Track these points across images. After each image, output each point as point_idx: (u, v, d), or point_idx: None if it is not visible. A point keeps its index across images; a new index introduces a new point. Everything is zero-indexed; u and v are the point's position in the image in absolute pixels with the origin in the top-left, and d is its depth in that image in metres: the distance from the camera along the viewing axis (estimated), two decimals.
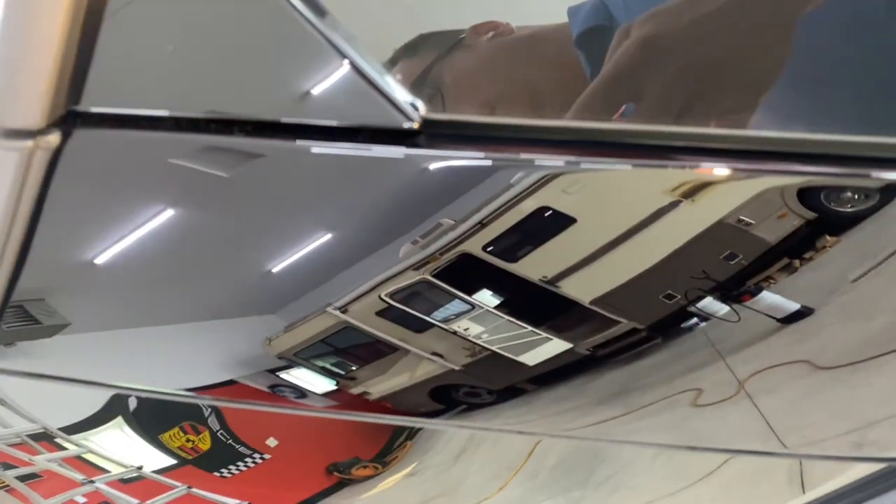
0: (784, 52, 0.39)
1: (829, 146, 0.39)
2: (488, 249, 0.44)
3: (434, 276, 0.45)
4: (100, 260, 0.47)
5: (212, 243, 0.48)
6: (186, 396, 0.50)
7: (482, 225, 0.43)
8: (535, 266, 0.44)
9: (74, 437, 0.58)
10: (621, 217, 0.43)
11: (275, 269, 0.46)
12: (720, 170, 0.40)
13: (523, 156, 0.41)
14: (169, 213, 0.46)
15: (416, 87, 0.42)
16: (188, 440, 0.55)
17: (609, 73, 0.39)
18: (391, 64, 0.42)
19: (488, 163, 0.41)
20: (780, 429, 0.48)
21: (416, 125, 0.40)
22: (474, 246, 0.44)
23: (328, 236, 0.45)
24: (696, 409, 0.48)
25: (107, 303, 0.49)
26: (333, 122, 0.41)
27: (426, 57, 0.42)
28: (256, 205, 0.46)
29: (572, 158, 0.41)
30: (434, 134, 0.41)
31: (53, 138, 0.42)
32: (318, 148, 0.42)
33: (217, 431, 0.54)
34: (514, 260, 0.44)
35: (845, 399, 0.47)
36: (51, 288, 0.48)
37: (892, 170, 0.40)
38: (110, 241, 0.46)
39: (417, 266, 0.45)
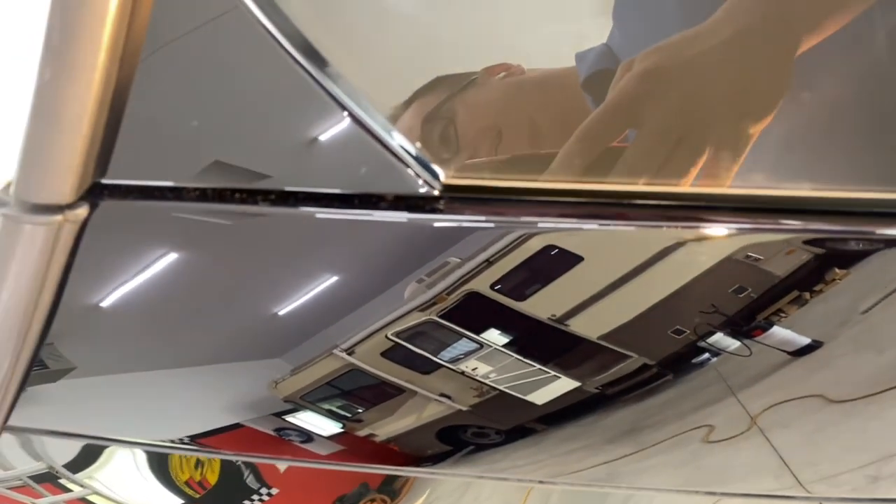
0: (782, 86, 0.39)
1: (831, 203, 0.40)
2: (496, 288, 0.44)
3: (441, 316, 0.44)
4: (106, 304, 0.47)
5: (218, 286, 0.48)
6: (191, 449, 0.50)
7: (489, 263, 0.43)
8: (543, 304, 0.44)
9: (79, 476, 0.57)
10: (629, 255, 0.42)
11: (281, 312, 0.46)
12: (723, 230, 0.41)
13: (525, 219, 0.42)
14: (174, 256, 0.46)
15: (428, 120, 0.43)
16: (198, 465, 0.55)
17: (611, 101, 0.40)
18: (406, 105, 0.43)
19: (491, 225, 0.42)
20: (793, 463, 0.48)
21: (436, 192, 0.42)
22: (482, 285, 0.44)
23: (334, 278, 0.45)
24: (708, 446, 0.47)
25: (113, 347, 0.49)
26: (356, 192, 0.43)
27: (440, 94, 0.43)
28: (262, 248, 0.46)
29: (575, 222, 0.42)
30: (457, 198, 0.42)
31: (82, 211, 0.43)
32: (337, 215, 0.43)
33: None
34: (523, 298, 0.44)
35: (859, 432, 0.47)
36: (58, 331, 0.48)
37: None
38: (117, 285, 0.46)
39: (424, 307, 0.44)
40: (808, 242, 0.41)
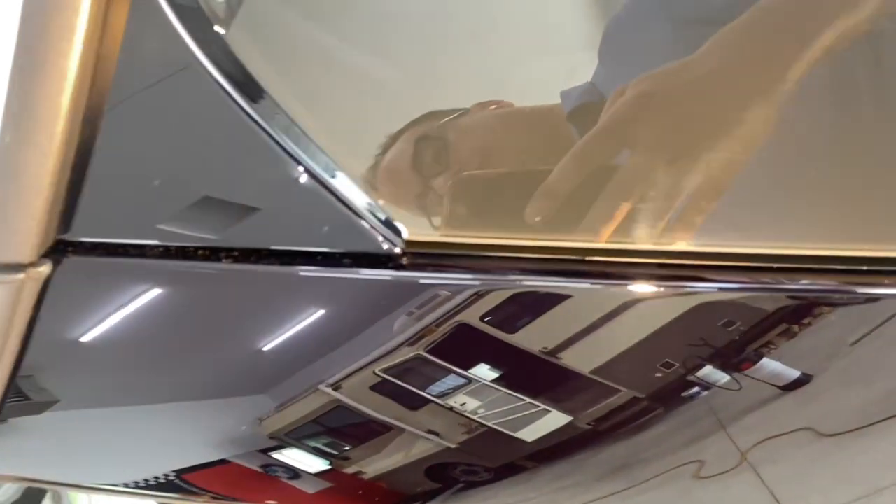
0: (769, 116, 0.40)
1: (812, 261, 0.41)
2: (486, 320, 0.43)
3: (430, 349, 0.44)
4: (89, 339, 0.46)
5: (203, 323, 0.47)
6: (174, 498, 0.49)
7: (479, 296, 0.43)
8: (534, 337, 0.43)
9: None
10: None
11: (266, 348, 0.45)
12: (710, 290, 0.42)
13: (511, 277, 0.43)
14: (158, 292, 0.46)
15: (421, 141, 0.43)
16: None
17: (605, 123, 0.41)
18: (396, 137, 0.43)
19: (477, 283, 0.43)
20: (784, 498, 0.47)
21: (398, 249, 0.43)
22: (472, 317, 0.43)
23: (320, 313, 0.45)
24: (699, 482, 0.47)
25: (99, 381, 0.49)
26: (319, 249, 0.44)
27: (433, 121, 0.44)
28: (246, 286, 0.46)
29: (559, 280, 0.43)
30: (419, 253, 0.43)
31: (44, 269, 0.43)
32: (307, 272, 0.44)
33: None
34: (514, 331, 0.43)
35: (850, 466, 0.46)
36: (40, 365, 0.47)
37: (877, 284, 0.41)
38: (101, 320, 0.46)
39: (412, 341, 0.44)
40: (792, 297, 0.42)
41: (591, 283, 0.43)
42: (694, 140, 0.41)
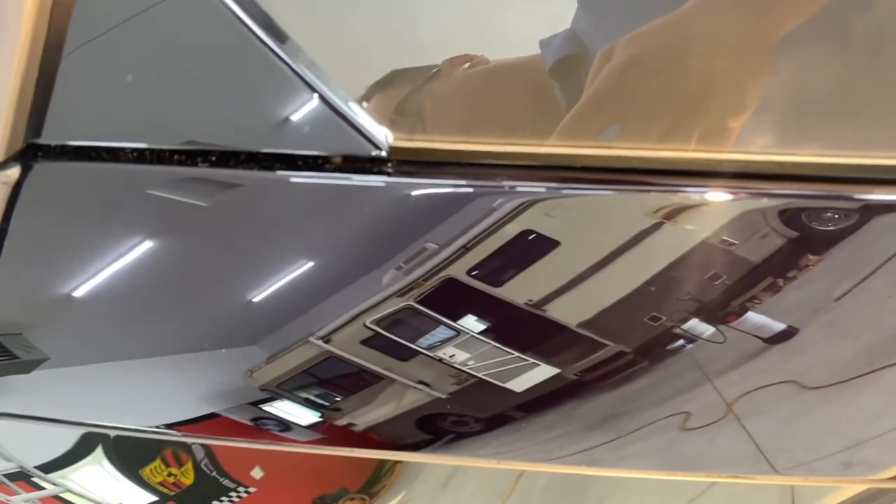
0: (764, 73, 0.40)
1: (809, 168, 0.40)
2: (473, 274, 0.43)
3: (419, 302, 0.44)
4: (78, 293, 0.46)
5: (190, 274, 0.47)
6: (167, 434, 0.49)
7: (466, 249, 0.43)
8: (520, 290, 0.44)
9: (52, 476, 0.56)
10: (605, 239, 0.43)
11: (255, 299, 0.45)
12: (700, 195, 0.41)
13: (505, 183, 0.41)
14: (146, 244, 0.45)
15: (397, 113, 0.42)
16: (170, 474, 0.54)
17: (593, 96, 0.40)
18: (365, 99, 0.42)
19: (469, 190, 0.41)
20: (769, 450, 0.48)
21: (384, 153, 0.41)
22: (459, 271, 0.43)
23: (309, 264, 0.45)
24: (686, 433, 0.47)
25: (86, 337, 0.49)
26: (302, 152, 0.42)
27: (403, 88, 0.43)
28: (234, 234, 0.46)
29: (554, 185, 0.41)
30: (410, 161, 0.41)
31: (12, 172, 0.42)
32: (298, 178, 0.42)
33: (201, 461, 0.53)
34: (500, 284, 0.44)
35: (833, 419, 0.47)
36: (28, 322, 0.47)
37: (871, 190, 0.40)
38: (88, 275, 0.46)
39: (401, 293, 0.44)
40: (784, 220, 0.41)
41: (581, 189, 0.41)
42: (688, 110, 0.40)
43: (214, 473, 0.54)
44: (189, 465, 0.54)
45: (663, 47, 0.39)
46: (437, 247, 0.43)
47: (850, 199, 0.41)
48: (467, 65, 0.43)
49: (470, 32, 0.43)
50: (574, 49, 0.40)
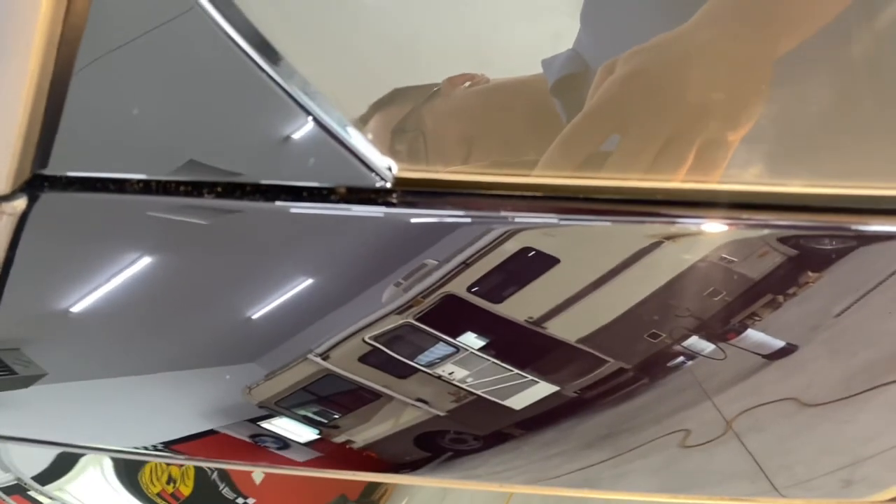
0: (763, 87, 0.40)
1: (806, 198, 0.40)
2: (473, 290, 0.43)
3: (418, 319, 0.44)
4: (76, 309, 0.46)
5: (190, 291, 0.47)
6: (164, 456, 0.49)
7: (466, 265, 0.43)
8: (520, 307, 0.44)
9: (49, 488, 0.56)
10: (604, 257, 0.42)
11: (254, 317, 0.45)
12: (697, 226, 0.41)
13: (506, 213, 0.42)
14: (146, 260, 0.45)
15: (397, 133, 0.42)
16: (170, 480, 0.54)
17: (594, 107, 0.40)
18: (364, 120, 0.42)
19: (468, 220, 0.42)
20: (768, 468, 0.48)
21: (388, 184, 0.41)
22: (459, 287, 0.43)
23: (308, 282, 0.44)
24: (685, 451, 0.47)
25: (85, 353, 0.48)
26: (307, 183, 0.42)
27: (403, 107, 0.43)
28: (233, 252, 0.46)
29: (553, 216, 0.42)
30: (413, 191, 0.42)
31: (19, 203, 0.43)
32: (297, 209, 0.42)
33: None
34: (500, 301, 0.44)
35: (833, 436, 0.47)
36: (26, 338, 0.47)
37: (868, 221, 0.41)
38: (87, 291, 0.46)
39: (401, 310, 0.44)
40: (782, 241, 0.41)
41: (580, 220, 0.42)
42: (689, 122, 0.40)
43: (215, 476, 0.54)
44: (190, 467, 0.54)
45: (664, 61, 0.40)
46: (436, 263, 0.43)
47: (847, 230, 0.41)
48: (468, 83, 0.43)
49: (470, 51, 0.43)
50: (576, 68, 0.41)
